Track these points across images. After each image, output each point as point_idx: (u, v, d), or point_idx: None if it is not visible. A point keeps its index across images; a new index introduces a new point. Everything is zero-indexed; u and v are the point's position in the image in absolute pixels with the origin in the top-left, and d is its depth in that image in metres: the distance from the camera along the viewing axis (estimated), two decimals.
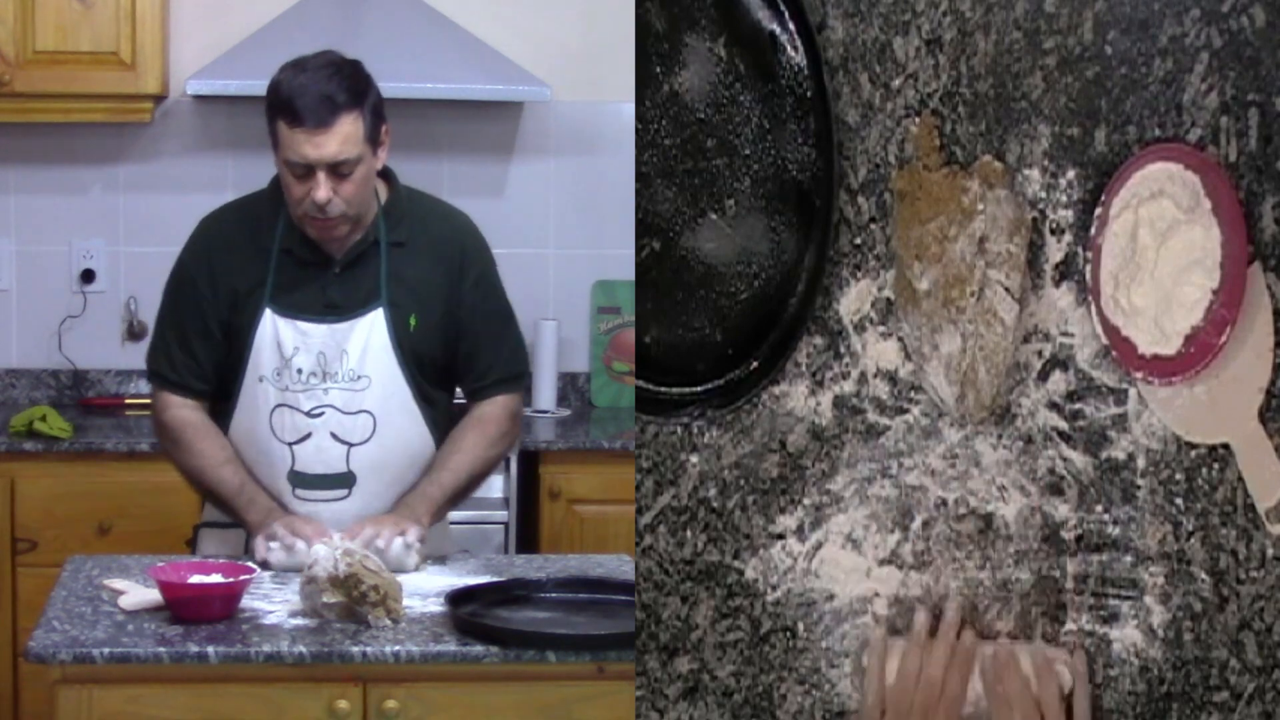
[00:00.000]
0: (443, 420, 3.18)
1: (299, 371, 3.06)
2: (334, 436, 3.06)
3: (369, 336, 3.07)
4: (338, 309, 3.08)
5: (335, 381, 3.06)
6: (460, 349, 3.16)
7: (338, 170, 2.96)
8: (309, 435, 3.07)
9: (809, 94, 2.23)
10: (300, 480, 3.07)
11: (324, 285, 3.08)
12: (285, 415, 3.07)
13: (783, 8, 2.23)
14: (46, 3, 4.29)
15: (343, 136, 2.94)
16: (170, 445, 3.18)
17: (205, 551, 3.14)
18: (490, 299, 3.18)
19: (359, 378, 3.07)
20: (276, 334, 3.06)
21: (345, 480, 3.07)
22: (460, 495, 3.16)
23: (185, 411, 3.13)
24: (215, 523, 3.19)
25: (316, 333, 3.06)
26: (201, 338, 3.10)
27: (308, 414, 3.06)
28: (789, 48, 2.23)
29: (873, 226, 2.27)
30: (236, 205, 3.23)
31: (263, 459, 3.09)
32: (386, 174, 3.14)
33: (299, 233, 3.07)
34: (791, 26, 2.23)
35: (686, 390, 2.29)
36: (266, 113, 3.00)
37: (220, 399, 3.13)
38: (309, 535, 2.94)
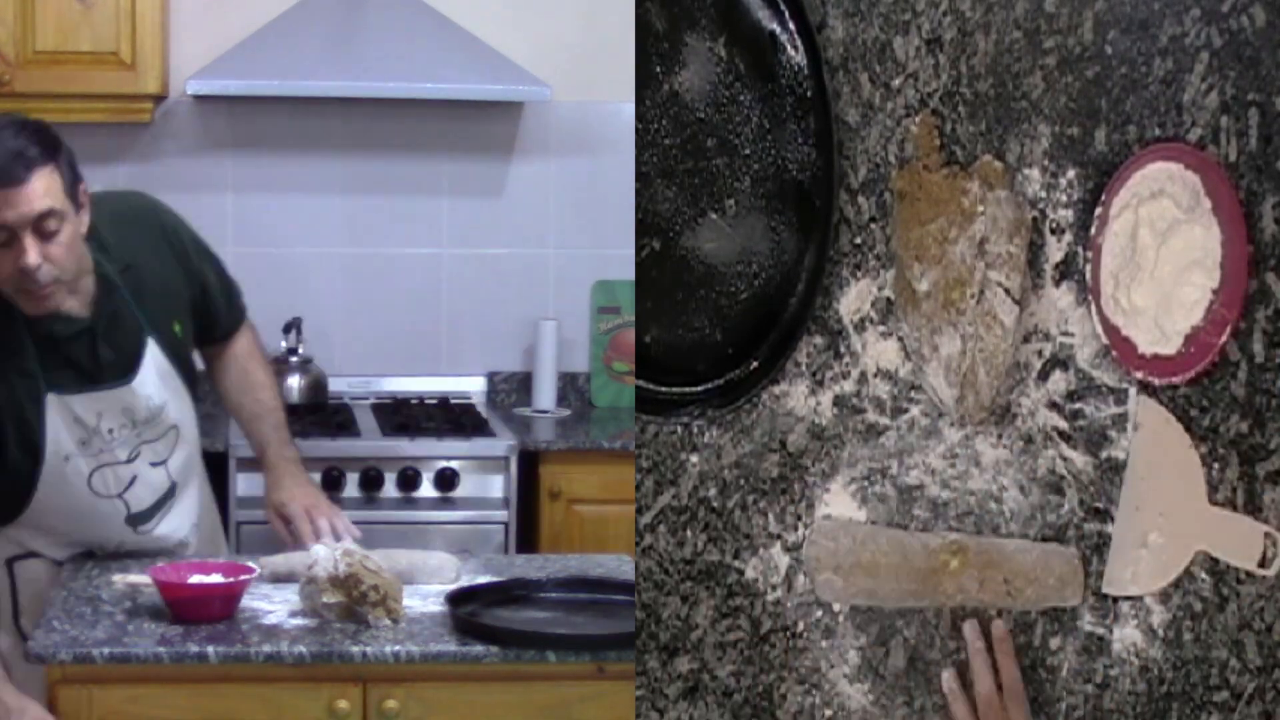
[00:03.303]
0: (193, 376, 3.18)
1: (110, 432, 2.97)
2: (152, 464, 3.04)
3: (155, 370, 3.01)
4: (116, 365, 2.97)
5: (147, 424, 3.01)
6: (209, 304, 3.17)
7: (42, 230, 2.76)
8: (134, 478, 3.01)
9: (809, 94, 2.23)
10: (138, 519, 3.04)
11: (95, 347, 2.94)
12: (106, 474, 2.99)
13: (783, 7, 2.23)
14: (46, 3, 4.29)
15: (42, 190, 2.75)
16: None
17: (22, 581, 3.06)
18: (201, 250, 3.17)
19: (159, 405, 3.02)
20: (72, 412, 2.94)
21: (171, 492, 3.08)
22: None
23: None
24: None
25: (110, 397, 2.96)
26: None
27: (127, 461, 3.00)
28: (789, 47, 2.23)
29: (873, 226, 2.27)
30: None
31: (90, 520, 3.01)
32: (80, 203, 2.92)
33: (35, 315, 2.88)
34: (791, 26, 2.23)
35: (686, 390, 2.29)
36: None
37: None
38: None
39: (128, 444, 3.00)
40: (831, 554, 2.26)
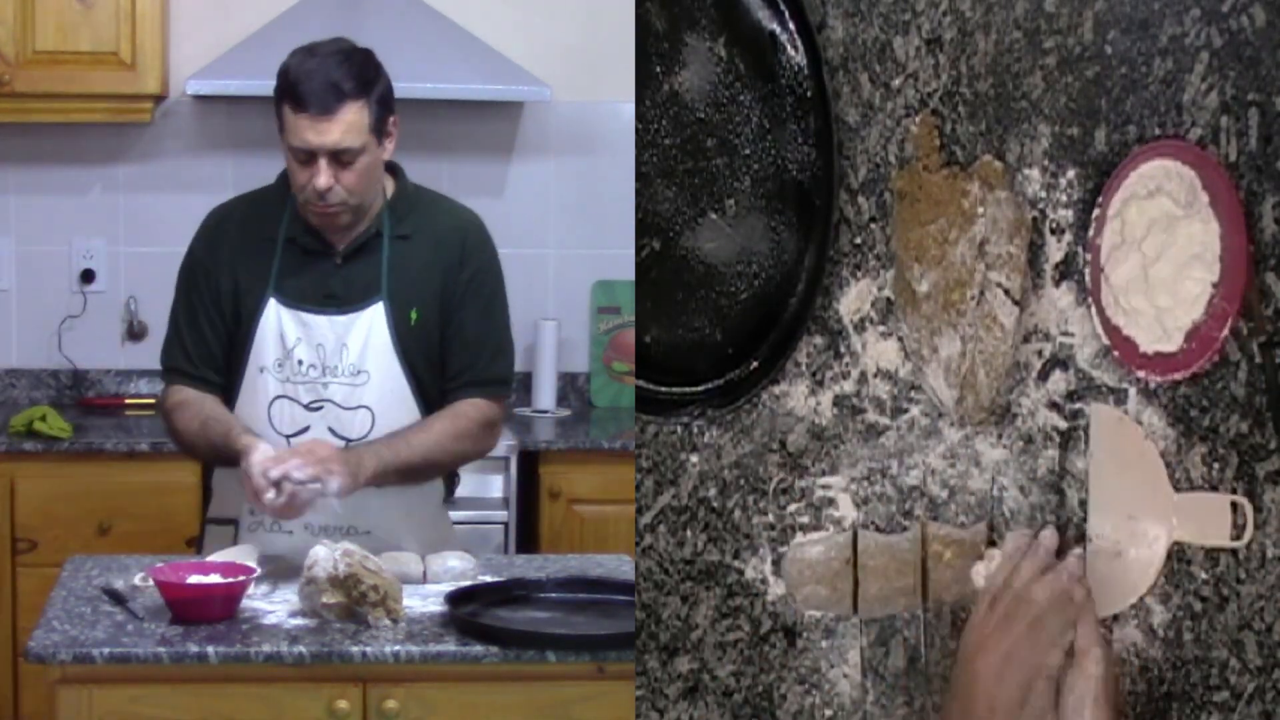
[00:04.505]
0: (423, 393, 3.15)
1: (299, 363, 3.06)
2: (332, 431, 3.06)
3: (369, 331, 3.06)
4: (338, 300, 3.07)
5: (335, 376, 3.06)
6: (445, 343, 3.13)
7: (340, 158, 2.96)
8: (307, 428, 3.06)
9: (809, 94, 2.23)
10: None
11: (325, 275, 3.08)
12: (284, 407, 3.07)
13: (783, 7, 2.23)
14: (46, 3, 4.30)
15: (346, 125, 2.95)
16: (168, 432, 3.17)
17: (209, 548, 3.13)
18: (482, 296, 3.14)
19: (359, 373, 3.06)
20: (280, 324, 3.06)
21: None
22: (408, 472, 3.08)
23: (180, 396, 3.11)
24: (217, 519, 3.19)
25: (317, 324, 3.06)
26: (212, 329, 3.10)
27: (306, 407, 3.06)
28: (789, 47, 2.23)
29: (873, 226, 2.27)
30: (245, 197, 3.24)
31: None
32: (394, 169, 3.14)
33: (303, 222, 3.07)
34: (791, 26, 2.23)
35: (686, 390, 2.29)
36: (275, 96, 3.00)
37: (226, 390, 3.13)
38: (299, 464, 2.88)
39: (313, 389, 3.05)
40: (811, 566, 2.26)
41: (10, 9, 4.27)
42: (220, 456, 3.05)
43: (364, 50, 3.05)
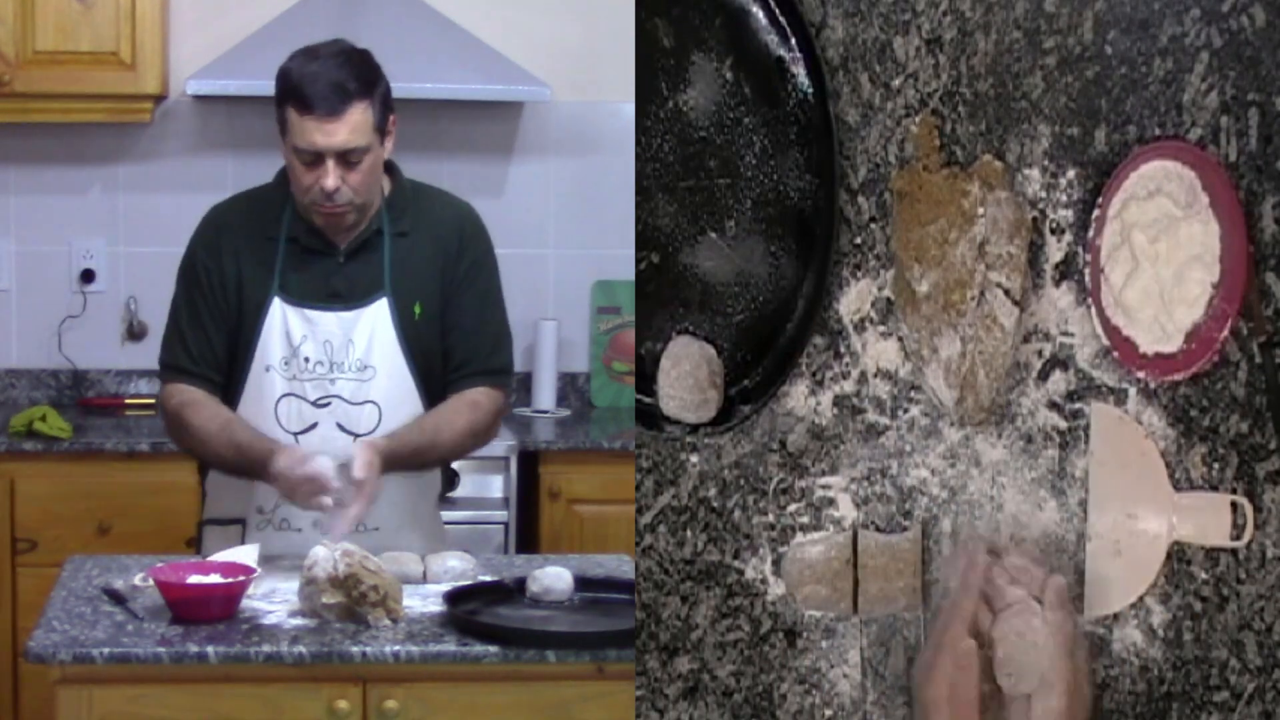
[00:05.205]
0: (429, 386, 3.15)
1: (306, 360, 3.06)
2: (340, 427, 3.07)
3: (374, 327, 3.08)
4: (342, 298, 3.08)
5: (342, 371, 3.07)
6: (446, 333, 3.14)
7: (346, 159, 2.97)
8: (314, 425, 3.07)
9: (813, 121, 2.22)
10: None
11: (328, 274, 3.09)
12: (291, 405, 3.07)
13: (790, 34, 2.22)
14: (46, 3, 4.29)
15: (353, 125, 2.96)
16: (174, 429, 3.15)
17: (209, 549, 3.14)
18: (479, 284, 3.16)
19: (365, 368, 3.07)
20: (285, 322, 3.07)
21: (349, 470, 3.02)
22: (420, 459, 3.11)
23: (189, 394, 3.10)
24: (218, 519, 3.19)
25: (323, 321, 3.07)
26: (214, 327, 3.10)
27: (314, 404, 3.07)
28: (795, 74, 2.23)
29: (873, 226, 2.26)
30: (244, 196, 3.24)
31: None
32: (390, 167, 3.15)
33: (305, 222, 3.08)
34: (799, 54, 2.22)
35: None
36: (276, 99, 3.00)
37: (225, 389, 3.12)
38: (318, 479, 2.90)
39: (320, 386, 3.06)
40: (811, 566, 2.26)
41: (10, 9, 4.27)
42: (244, 457, 3.03)
43: (363, 51, 3.07)
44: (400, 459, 3.05)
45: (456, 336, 3.15)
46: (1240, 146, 2.19)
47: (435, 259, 3.12)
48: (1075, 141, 2.23)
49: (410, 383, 3.11)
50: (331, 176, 2.97)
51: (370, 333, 3.08)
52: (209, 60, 4.44)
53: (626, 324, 4.80)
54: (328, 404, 3.07)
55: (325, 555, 2.70)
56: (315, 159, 2.97)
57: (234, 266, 3.10)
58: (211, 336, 3.10)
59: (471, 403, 3.14)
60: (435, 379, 3.14)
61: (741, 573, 2.30)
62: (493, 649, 2.60)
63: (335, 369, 3.07)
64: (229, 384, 3.12)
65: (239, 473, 3.07)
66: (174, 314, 3.17)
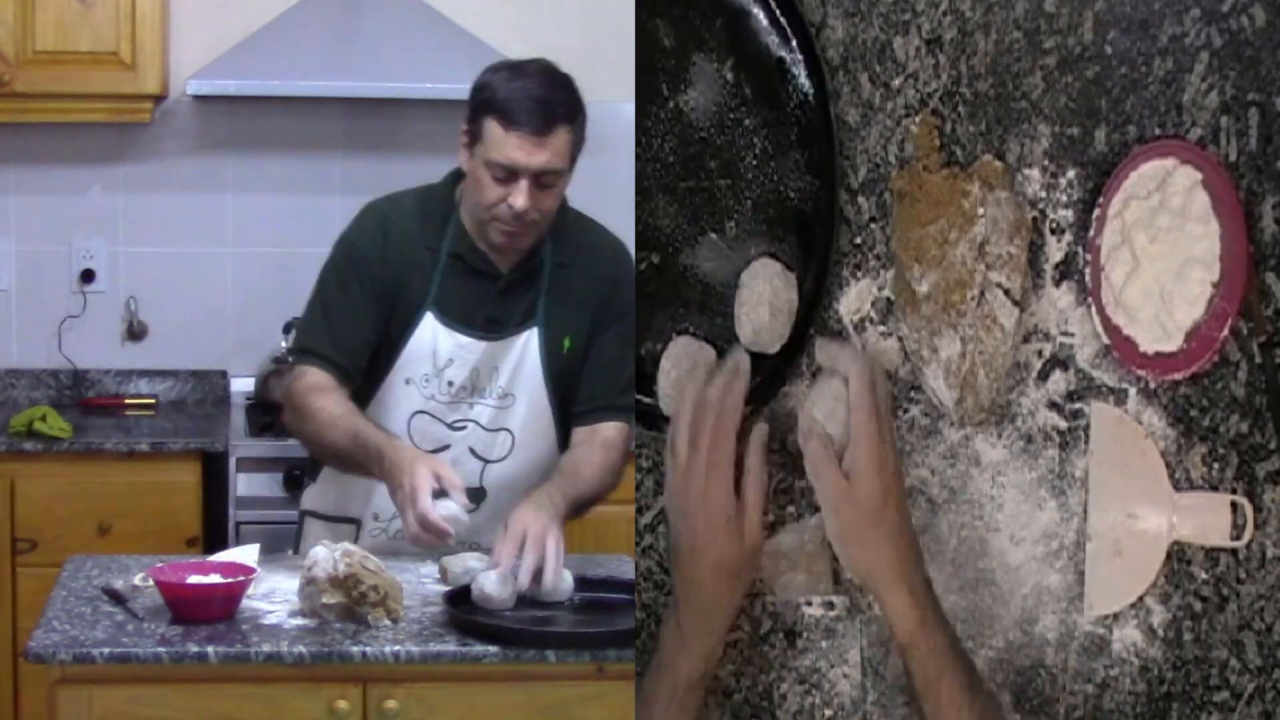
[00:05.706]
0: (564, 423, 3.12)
1: (449, 384, 3.02)
2: (472, 452, 3.04)
3: (522, 356, 3.04)
4: (498, 325, 3.03)
5: (482, 397, 3.03)
6: (584, 368, 3.09)
7: (540, 180, 2.92)
8: (447, 446, 3.02)
9: (814, 123, 2.22)
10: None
11: (486, 298, 3.02)
12: (425, 422, 3.03)
13: (791, 35, 2.22)
14: (46, 3, 4.29)
15: (555, 148, 2.91)
16: (294, 411, 3.03)
17: (310, 541, 3.04)
18: (625, 324, 3.08)
19: (506, 395, 3.04)
20: (435, 339, 3.02)
21: (476, 495, 2.98)
22: (580, 510, 3.02)
23: (321, 379, 3.00)
24: (325, 514, 3.15)
25: (475, 348, 3.02)
26: (367, 323, 3.02)
27: (450, 426, 3.03)
28: (796, 76, 2.23)
29: (873, 226, 2.26)
30: (412, 195, 3.14)
31: None
32: None
33: (469, 240, 3.02)
34: (799, 55, 2.22)
35: None
36: (471, 110, 2.93)
37: (359, 391, 3.04)
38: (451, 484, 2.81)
39: (459, 409, 3.02)
40: (786, 555, 2.26)
41: (10, 9, 4.27)
42: (359, 447, 2.91)
43: (566, 74, 3.00)
44: (569, 517, 2.96)
45: (596, 371, 3.09)
46: (1240, 146, 2.19)
47: (590, 295, 3.07)
48: (1075, 141, 2.23)
49: (549, 414, 3.07)
50: (524, 196, 2.90)
51: (516, 362, 3.03)
52: (209, 60, 4.44)
53: None
54: (464, 428, 3.03)
55: (325, 555, 2.70)
56: (509, 176, 2.90)
57: (394, 268, 3.02)
58: (361, 332, 3.02)
59: (607, 442, 3.07)
60: (566, 409, 3.10)
61: None
62: (493, 649, 2.60)
63: (477, 394, 3.03)
64: (364, 387, 3.04)
65: (351, 464, 2.97)
66: (322, 301, 3.07)
